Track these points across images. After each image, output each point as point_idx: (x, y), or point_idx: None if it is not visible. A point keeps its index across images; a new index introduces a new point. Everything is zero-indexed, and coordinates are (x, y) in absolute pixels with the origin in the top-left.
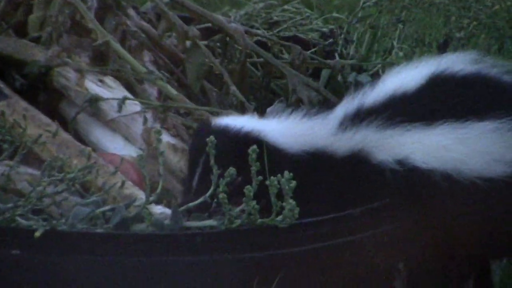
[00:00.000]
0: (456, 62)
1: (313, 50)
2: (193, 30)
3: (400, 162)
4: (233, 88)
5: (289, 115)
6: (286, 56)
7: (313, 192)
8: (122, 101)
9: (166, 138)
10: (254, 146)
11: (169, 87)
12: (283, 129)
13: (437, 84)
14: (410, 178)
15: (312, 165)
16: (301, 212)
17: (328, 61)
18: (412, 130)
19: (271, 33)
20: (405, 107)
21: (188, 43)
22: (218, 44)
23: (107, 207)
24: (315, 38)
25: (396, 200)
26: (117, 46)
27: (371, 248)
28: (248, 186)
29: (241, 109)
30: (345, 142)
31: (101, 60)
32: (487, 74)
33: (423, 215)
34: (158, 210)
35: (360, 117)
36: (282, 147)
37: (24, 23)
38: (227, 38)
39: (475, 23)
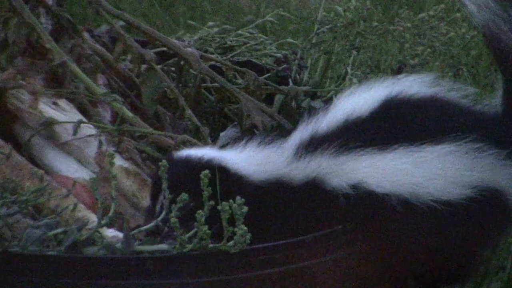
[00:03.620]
0: (411, 85)
1: (267, 75)
2: (149, 54)
3: (354, 187)
4: (188, 112)
5: (247, 144)
6: (240, 81)
7: (272, 219)
8: (78, 124)
9: (119, 161)
10: (206, 171)
11: (125, 109)
12: (244, 158)
13: (391, 108)
14: (365, 203)
15: (271, 193)
16: (259, 239)
17: (282, 86)
18: (366, 154)
19: (225, 58)
20: (358, 132)
21: (143, 66)
22: (173, 68)
23: (59, 230)
24: (269, 64)
25: (351, 225)
26: (74, 67)
27: (324, 273)
28: (200, 211)
29: (196, 134)
30: (301, 170)
31: (56, 83)
32: (442, 97)
33: (378, 240)
34: (110, 233)
35: (314, 144)
36: (244, 176)
37: None
38: (182, 62)
39: (429, 50)
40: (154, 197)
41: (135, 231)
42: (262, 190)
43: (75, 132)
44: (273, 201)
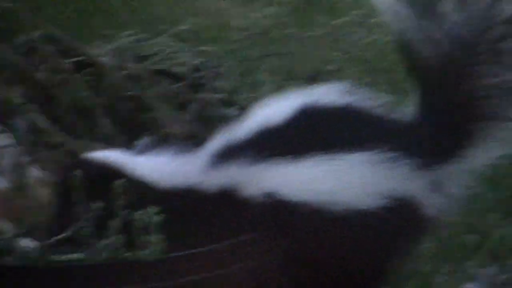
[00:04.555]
0: (326, 94)
1: (183, 83)
2: (66, 63)
3: (268, 196)
4: (103, 120)
5: (161, 152)
6: (155, 89)
7: (186, 227)
8: None
9: (35, 171)
10: (120, 181)
11: (41, 119)
12: (155, 166)
13: (305, 117)
14: (278, 212)
15: (184, 200)
16: (172, 247)
17: (198, 94)
18: (280, 164)
19: (141, 66)
20: (273, 141)
21: (60, 76)
22: (90, 77)
23: None
24: (185, 71)
25: (265, 234)
26: None
27: (237, 281)
28: (113, 220)
29: (112, 142)
30: (216, 179)
31: None
32: (358, 106)
33: (292, 249)
34: (25, 243)
35: (229, 153)
36: (153, 183)
37: None
38: (98, 71)
39: (345, 56)
40: (63, 204)
41: (51, 240)
42: (173, 197)
43: None
44: (187, 209)
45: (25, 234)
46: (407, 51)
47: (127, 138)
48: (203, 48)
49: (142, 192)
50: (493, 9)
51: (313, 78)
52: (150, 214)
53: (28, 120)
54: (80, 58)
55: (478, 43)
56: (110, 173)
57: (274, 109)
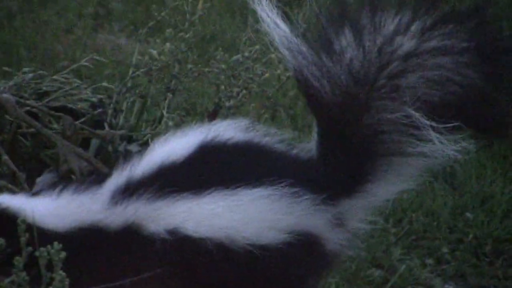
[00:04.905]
0: (227, 130)
1: (82, 120)
2: None
3: (171, 232)
4: (4, 157)
5: (61, 190)
6: (56, 126)
7: (86, 265)
8: None
9: None
10: (23, 218)
11: None
12: (51, 207)
13: (206, 153)
14: (181, 248)
15: (83, 239)
16: (76, 284)
17: (98, 131)
18: (182, 200)
19: (41, 103)
20: (174, 177)
21: None
22: None
23: None
24: (85, 108)
25: (167, 269)
26: None
27: None
28: (18, 257)
29: (13, 179)
30: (117, 216)
31: None
32: (258, 142)
33: (194, 284)
34: None
35: (130, 190)
36: (47, 225)
37: None
38: None
39: (245, 91)
40: None
41: None
42: (72, 238)
43: None
44: (88, 247)
45: None
46: (305, 87)
47: (28, 175)
48: (103, 84)
49: (40, 234)
50: (391, 45)
51: (213, 114)
52: (54, 252)
53: None
54: None
55: (376, 79)
56: (10, 217)
57: (175, 145)
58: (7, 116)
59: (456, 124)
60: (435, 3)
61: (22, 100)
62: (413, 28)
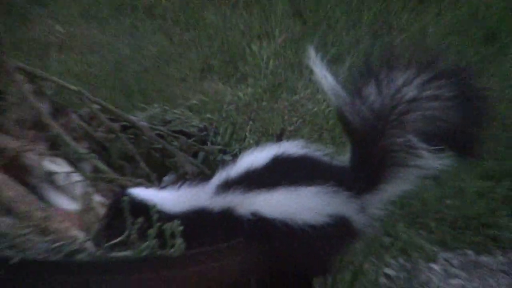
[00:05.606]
0: (290, 147)
1: (193, 139)
2: (115, 125)
3: (253, 214)
4: (142, 164)
5: (179, 186)
6: (175, 143)
7: (196, 236)
8: (68, 174)
9: (97, 198)
10: (154, 204)
11: (99, 162)
12: (173, 197)
13: (277, 162)
14: (260, 225)
15: (194, 219)
16: (189, 248)
17: (203, 146)
18: (261, 193)
19: (165, 128)
20: (256, 178)
21: (111, 134)
22: (131, 135)
23: (59, 243)
24: (194, 131)
25: (251, 239)
26: (64, 136)
27: (235, 268)
28: (151, 230)
29: (147, 178)
30: (218, 203)
31: (54, 147)
32: (311, 155)
33: (269, 249)
34: (91, 245)
35: (227, 185)
36: (170, 209)
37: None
38: (137, 131)
39: (301, 120)
40: (108, 219)
41: (109, 243)
42: (187, 218)
43: (66, 179)
44: (197, 224)
45: (91, 240)
46: (342, 118)
47: (157, 176)
48: (206, 115)
49: (166, 215)
50: (400, 93)
51: (280, 136)
52: (175, 226)
53: (92, 164)
54: (125, 123)
55: (389, 115)
56: (140, 204)
57: (256, 157)
58: (143, 137)
59: (441, 147)
60: (432, 63)
61: (153, 126)
62: (415, 81)
